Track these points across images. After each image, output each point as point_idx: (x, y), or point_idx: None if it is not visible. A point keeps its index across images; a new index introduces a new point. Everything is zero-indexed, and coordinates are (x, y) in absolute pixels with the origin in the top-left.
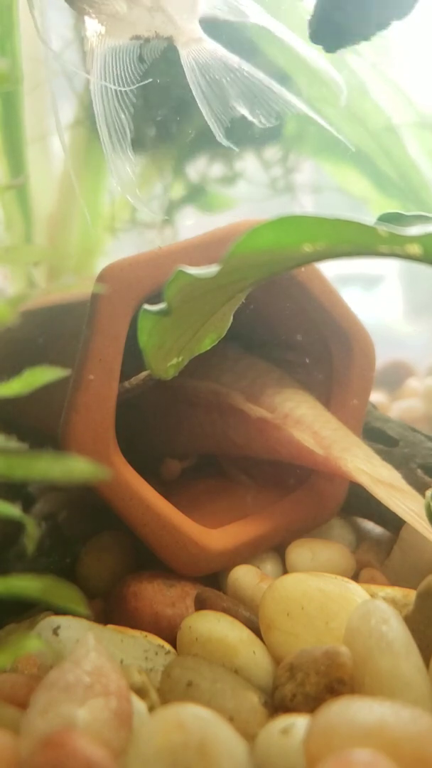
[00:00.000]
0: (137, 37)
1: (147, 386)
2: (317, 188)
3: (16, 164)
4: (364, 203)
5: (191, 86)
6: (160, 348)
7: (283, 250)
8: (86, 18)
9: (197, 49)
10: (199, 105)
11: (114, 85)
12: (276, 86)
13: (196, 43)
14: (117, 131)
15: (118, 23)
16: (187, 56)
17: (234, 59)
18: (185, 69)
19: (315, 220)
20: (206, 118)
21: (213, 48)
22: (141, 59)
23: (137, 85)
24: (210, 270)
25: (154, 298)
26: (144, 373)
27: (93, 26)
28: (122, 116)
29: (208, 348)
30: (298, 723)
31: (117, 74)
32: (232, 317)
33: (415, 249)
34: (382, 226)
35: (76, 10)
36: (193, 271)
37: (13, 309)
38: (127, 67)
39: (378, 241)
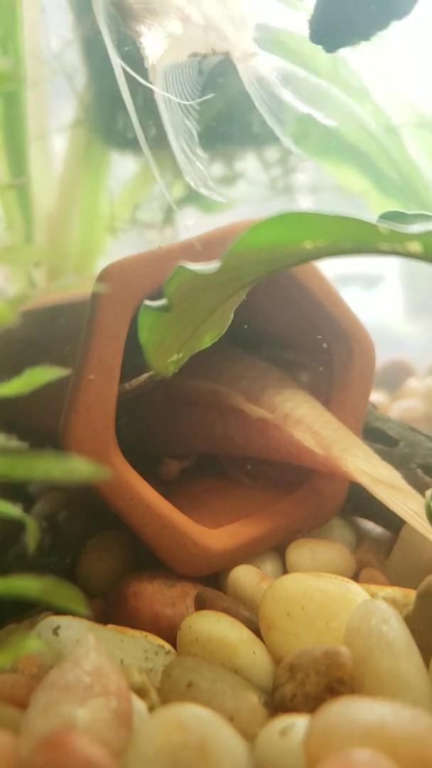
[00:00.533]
0: (195, 55)
1: (147, 387)
2: (317, 188)
3: (18, 164)
4: (365, 203)
5: (253, 98)
6: (161, 345)
7: (284, 247)
8: (144, 39)
9: (253, 63)
10: (264, 115)
11: (177, 97)
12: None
13: (252, 57)
14: (183, 134)
15: (176, 43)
16: (245, 70)
17: (289, 67)
18: (245, 82)
19: (316, 217)
20: (272, 127)
21: (268, 59)
22: (200, 72)
23: (199, 99)
24: (211, 266)
25: (155, 298)
26: (144, 375)
27: (152, 47)
28: (187, 122)
29: (209, 345)
30: (298, 723)
31: (179, 88)
32: (232, 315)
33: (415, 247)
34: (383, 223)
35: (134, 34)
36: (193, 267)
37: (14, 309)
38: (188, 81)
39: (379, 238)
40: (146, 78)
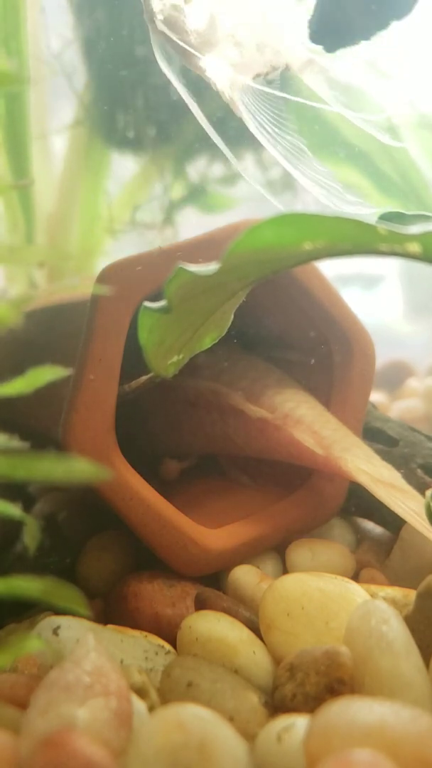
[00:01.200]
0: (258, 75)
1: (147, 389)
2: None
3: (20, 164)
4: (364, 203)
5: (330, 103)
6: (161, 345)
7: (284, 247)
8: (209, 73)
9: (313, 70)
10: (347, 116)
11: (261, 115)
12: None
13: (310, 64)
14: (295, 154)
15: (238, 69)
16: (308, 80)
17: (347, 65)
18: (316, 91)
19: (315, 217)
20: (358, 124)
21: (327, 64)
22: (269, 82)
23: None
24: (210, 267)
25: (155, 298)
26: (143, 378)
27: (220, 79)
28: (290, 139)
29: (209, 346)
30: (298, 723)
31: (259, 108)
32: (233, 315)
33: (414, 247)
34: (383, 224)
35: (198, 70)
36: (193, 268)
37: (16, 310)
38: (264, 98)
39: (378, 239)
40: (213, 109)
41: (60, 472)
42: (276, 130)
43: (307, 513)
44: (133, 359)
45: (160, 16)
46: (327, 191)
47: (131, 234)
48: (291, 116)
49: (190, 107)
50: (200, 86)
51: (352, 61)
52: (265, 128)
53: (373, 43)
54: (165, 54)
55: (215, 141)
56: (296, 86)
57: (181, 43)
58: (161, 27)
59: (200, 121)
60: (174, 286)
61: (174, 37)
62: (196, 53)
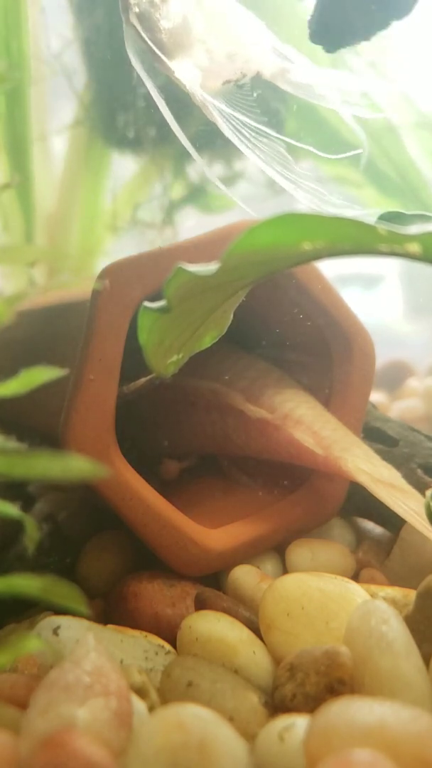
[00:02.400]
0: (228, 81)
1: (146, 391)
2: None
3: (20, 164)
4: (364, 203)
5: (320, 105)
6: (160, 345)
7: (283, 248)
8: (178, 75)
9: (287, 78)
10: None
11: (237, 120)
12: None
13: (283, 72)
14: (275, 158)
15: (207, 74)
16: (284, 86)
17: (320, 71)
18: (294, 94)
19: (314, 218)
20: (347, 121)
21: (300, 69)
22: (239, 87)
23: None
24: (209, 267)
25: (154, 298)
26: (143, 380)
27: (188, 81)
28: (266, 141)
29: (209, 345)
30: (298, 723)
31: (235, 112)
32: (232, 315)
33: (414, 248)
34: (382, 224)
35: (166, 70)
36: (192, 268)
37: (10, 308)
38: (234, 99)
39: (378, 239)
40: (182, 108)
41: (58, 471)
42: (253, 134)
43: (307, 513)
44: (134, 359)
45: (135, 9)
46: (310, 194)
47: (131, 234)
48: (276, 119)
49: (158, 105)
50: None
51: (324, 72)
52: (241, 132)
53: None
54: (137, 49)
55: (183, 142)
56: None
57: (149, 42)
58: (133, 20)
59: (168, 121)
60: (173, 285)
61: (144, 34)
62: (162, 55)
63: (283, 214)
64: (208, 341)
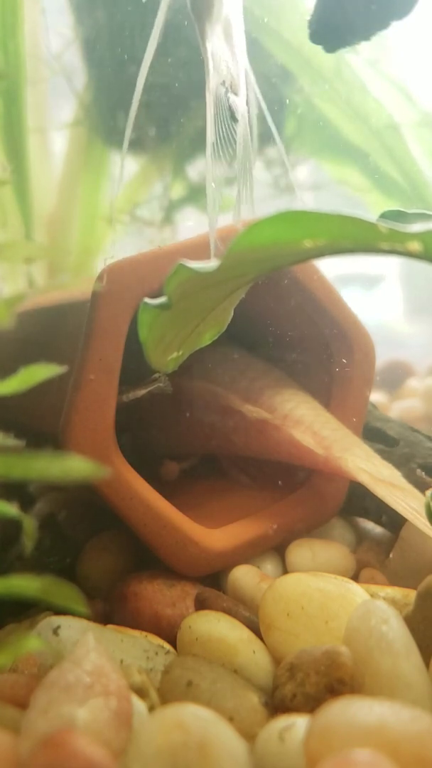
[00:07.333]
0: (222, 83)
1: (145, 396)
2: (317, 187)
3: (18, 163)
4: (365, 202)
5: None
6: (161, 342)
7: (284, 245)
8: (208, 44)
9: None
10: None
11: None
12: None
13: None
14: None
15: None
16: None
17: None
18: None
19: (315, 215)
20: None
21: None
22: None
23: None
24: (210, 265)
25: (155, 298)
26: (142, 389)
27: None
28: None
29: (209, 342)
30: (298, 723)
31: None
32: (232, 312)
33: (415, 246)
34: (383, 222)
35: (201, 33)
36: (193, 265)
37: (10, 309)
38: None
39: (379, 237)
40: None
41: (57, 471)
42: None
43: (307, 513)
44: (134, 359)
45: None
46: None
47: (131, 233)
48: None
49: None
50: None
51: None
52: (217, 138)
53: (373, 42)
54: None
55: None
56: (296, 86)
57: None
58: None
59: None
60: (174, 282)
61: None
62: (208, 24)
63: (285, 212)
64: (208, 338)
